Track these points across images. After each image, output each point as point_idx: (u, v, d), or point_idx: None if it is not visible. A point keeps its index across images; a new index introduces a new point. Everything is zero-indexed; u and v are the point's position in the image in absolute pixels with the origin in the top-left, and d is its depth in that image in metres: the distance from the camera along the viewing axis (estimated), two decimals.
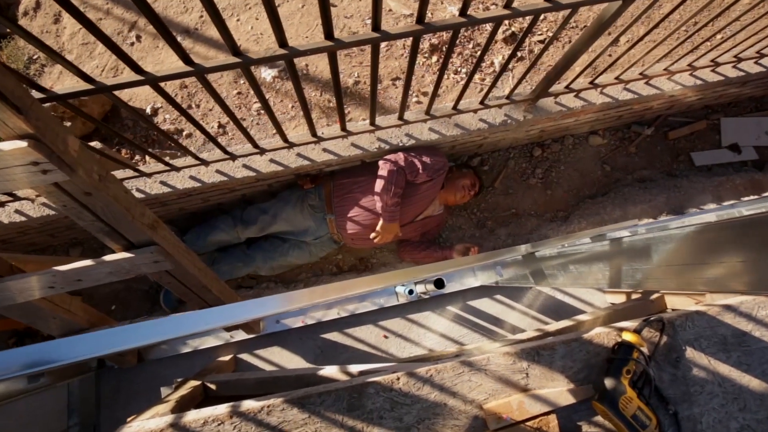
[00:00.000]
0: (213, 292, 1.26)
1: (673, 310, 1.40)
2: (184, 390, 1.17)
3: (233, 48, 1.05)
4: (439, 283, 1.71)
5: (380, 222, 1.96)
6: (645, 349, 0.92)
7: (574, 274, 0.87)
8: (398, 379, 0.92)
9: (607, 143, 2.52)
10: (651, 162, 2.54)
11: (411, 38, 1.18)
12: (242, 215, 2.15)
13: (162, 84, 1.12)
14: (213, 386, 1.22)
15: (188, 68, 1.06)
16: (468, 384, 0.92)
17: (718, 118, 2.56)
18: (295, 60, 2.76)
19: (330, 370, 1.07)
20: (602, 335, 0.96)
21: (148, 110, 2.74)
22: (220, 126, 2.69)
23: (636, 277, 0.77)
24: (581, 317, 1.30)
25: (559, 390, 0.92)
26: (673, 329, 0.97)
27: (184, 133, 2.70)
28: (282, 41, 1.07)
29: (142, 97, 2.77)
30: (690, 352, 0.97)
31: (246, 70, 1.11)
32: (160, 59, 2.74)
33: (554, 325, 1.24)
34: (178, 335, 0.65)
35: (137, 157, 2.60)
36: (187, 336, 0.69)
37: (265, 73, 2.76)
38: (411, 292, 1.80)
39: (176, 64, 1.09)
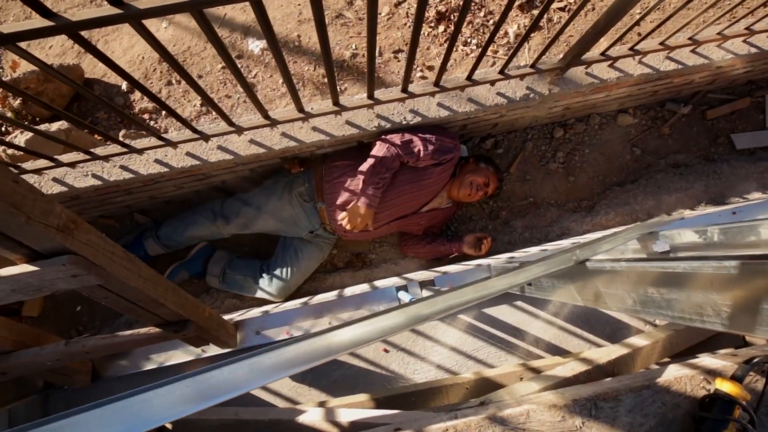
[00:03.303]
0: (168, 307, 1.00)
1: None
2: None
3: None
4: None
5: (353, 201, 1.68)
6: (746, 403, 0.66)
7: (656, 300, 0.61)
8: None
9: (637, 123, 2.22)
10: (686, 145, 2.24)
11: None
12: (222, 208, 1.86)
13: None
14: (168, 425, 0.98)
15: (117, 10, 0.78)
16: None
17: (763, 95, 2.26)
18: (286, 32, 2.47)
19: (312, 417, 0.82)
20: (683, 380, 0.69)
21: (124, 86, 2.47)
22: (203, 104, 2.42)
23: None
24: (635, 341, 1.04)
25: None
26: None
27: (164, 112, 2.44)
28: None
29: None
30: None
31: (198, 14, 0.82)
32: (138, 40, 2.44)
33: (604, 354, 0.98)
34: None
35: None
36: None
37: (253, 45, 2.47)
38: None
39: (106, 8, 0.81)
